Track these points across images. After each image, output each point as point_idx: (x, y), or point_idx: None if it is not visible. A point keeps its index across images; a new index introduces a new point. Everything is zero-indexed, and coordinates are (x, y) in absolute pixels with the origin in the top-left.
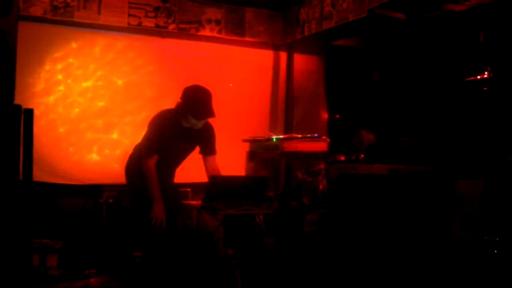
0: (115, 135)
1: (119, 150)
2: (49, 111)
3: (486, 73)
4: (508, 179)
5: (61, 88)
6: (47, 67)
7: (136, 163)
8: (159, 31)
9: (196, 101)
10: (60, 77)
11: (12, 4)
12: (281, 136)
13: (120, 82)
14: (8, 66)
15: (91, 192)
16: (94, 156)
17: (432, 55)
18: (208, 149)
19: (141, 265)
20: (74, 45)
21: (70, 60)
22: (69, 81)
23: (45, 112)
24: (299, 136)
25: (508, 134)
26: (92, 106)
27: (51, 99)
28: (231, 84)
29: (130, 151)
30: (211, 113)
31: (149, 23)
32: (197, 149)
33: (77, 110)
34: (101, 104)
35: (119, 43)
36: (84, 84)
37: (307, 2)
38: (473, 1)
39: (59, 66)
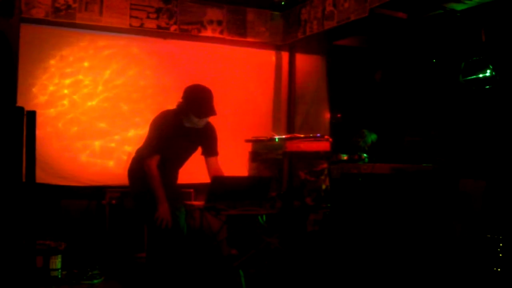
0: (110, 163)
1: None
2: (47, 124)
3: (488, 71)
4: (510, 178)
5: (65, 102)
6: (55, 80)
7: (139, 165)
8: (161, 32)
9: (197, 99)
10: (66, 91)
11: (14, 6)
12: (284, 136)
13: (126, 107)
14: (11, 69)
15: (94, 194)
16: (97, 158)
17: (434, 54)
18: (210, 150)
19: (144, 266)
20: (86, 63)
21: (80, 77)
22: (75, 97)
23: (43, 125)
24: (302, 136)
25: (511, 133)
26: (92, 126)
27: (52, 112)
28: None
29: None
30: (212, 111)
31: (151, 24)
32: (200, 150)
33: (76, 128)
34: (102, 125)
35: (121, 45)
36: (89, 103)
37: (309, 2)
38: None
39: (67, 81)
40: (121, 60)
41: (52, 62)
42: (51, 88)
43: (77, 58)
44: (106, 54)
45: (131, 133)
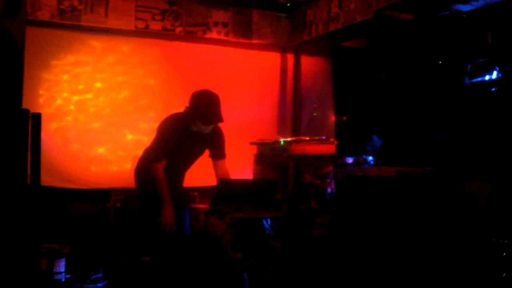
0: (115, 166)
1: None
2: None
3: (494, 73)
4: None
5: (69, 118)
6: (64, 94)
7: (145, 167)
8: (166, 34)
9: (204, 106)
10: (72, 107)
11: (21, 7)
12: (289, 139)
13: (130, 136)
14: (17, 71)
15: (99, 197)
16: (102, 161)
17: (440, 56)
18: (217, 153)
19: (149, 269)
20: (98, 84)
21: (89, 95)
22: (80, 117)
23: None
24: (307, 138)
25: None
26: (91, 148)
27: (53, 125)
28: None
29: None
30: (219, 118)
31: (156, 26)
32: (206, 153)
33: (75, 147)
34: (101, 150)
35: (126, 47)
36: (94, 124)
37: (314, 4)
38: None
39: (75, 97)
40: (134, 87)
41: (65, 77)
42: (59, 101)
43: (91, 78)
44: (120, 80)
45: (129, 165)
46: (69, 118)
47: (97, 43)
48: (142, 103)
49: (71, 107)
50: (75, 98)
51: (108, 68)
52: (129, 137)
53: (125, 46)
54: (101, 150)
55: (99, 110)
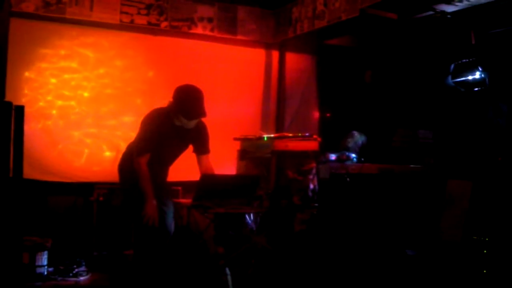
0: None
1: None
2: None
3: (477, 74)
4: (497, 179)
5: (49, 123)
6: (49, 97)
7: (129, 161)
8: (151, 29)
9: (187, 101)
10: (54, 112)
11: (4, 0)
12: (272, 135)
13: (108, 153)
14: None
15: (81, 190)
16: (85, 154)
17: (424, 55)
18: (201, 148)
19: (131, 263)
20: (85, 94)
21: (72, 103)
22: (60, 122)
23: None
24: (290, 135)
25: (498, 135)
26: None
27: (31, 126)
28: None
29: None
30: (202, 113)
31: (141, 20)
32: (190, 147)
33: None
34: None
35: (111, 41)
36: (75, 133)
37: (300, 1)
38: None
39: (59, 102)
40: (120, 101)
41: (53, 80)
42: (41, 103)
43: (79, 85)
44: (108, 92)
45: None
46: (49, 122)
47: (83, 40)
48: (126, 119)
49: (54, 111)
50: (59, 103)
51: (88, 60)
52: (107, 153)
53: (108, 40)
54: (76, 164)
55: (80, 118)
